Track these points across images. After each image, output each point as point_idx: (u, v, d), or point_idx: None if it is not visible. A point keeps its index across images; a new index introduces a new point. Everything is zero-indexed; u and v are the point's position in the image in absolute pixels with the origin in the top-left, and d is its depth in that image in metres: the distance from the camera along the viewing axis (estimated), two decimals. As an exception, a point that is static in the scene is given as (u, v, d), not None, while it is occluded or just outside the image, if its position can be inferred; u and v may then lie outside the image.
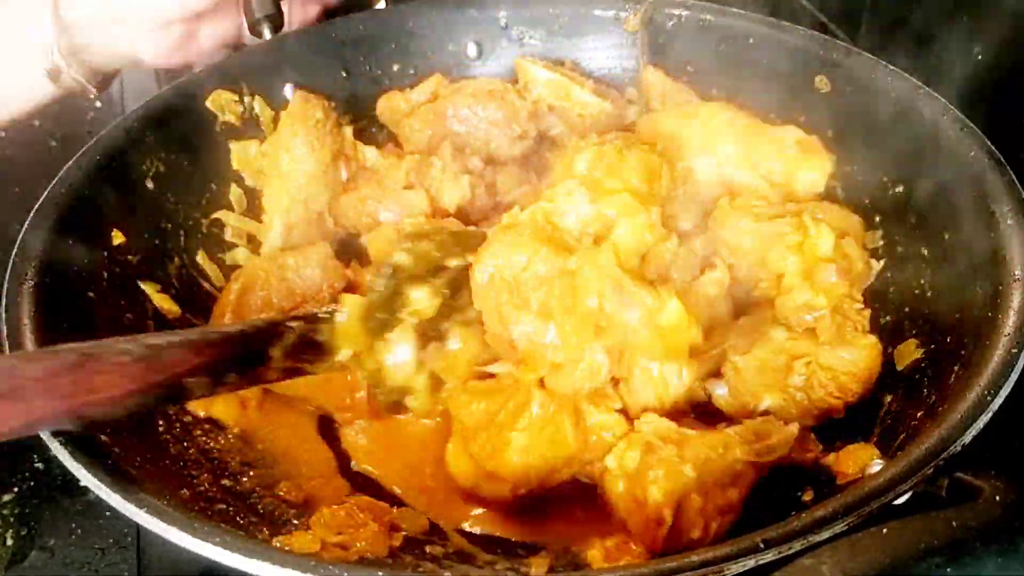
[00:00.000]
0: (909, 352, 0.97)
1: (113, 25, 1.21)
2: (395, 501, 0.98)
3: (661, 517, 0.82)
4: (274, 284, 1.12)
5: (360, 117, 1.38)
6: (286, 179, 1.20)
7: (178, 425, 0.99)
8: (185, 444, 0.97)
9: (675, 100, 1.30)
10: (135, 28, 1.21)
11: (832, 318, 1.00)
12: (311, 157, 1.20)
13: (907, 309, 1.03)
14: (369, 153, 1.29)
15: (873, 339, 0.98)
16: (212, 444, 1.00)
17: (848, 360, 0.96)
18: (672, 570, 0.66)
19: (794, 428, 0.90)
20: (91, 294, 1.01)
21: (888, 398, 0.96)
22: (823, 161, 1.16)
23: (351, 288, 1.13)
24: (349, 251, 1.23)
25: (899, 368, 0.98)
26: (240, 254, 1.24)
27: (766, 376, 0.98)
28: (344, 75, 1.38)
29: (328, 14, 1.44)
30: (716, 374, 1.01)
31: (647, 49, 1.35)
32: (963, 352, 0.86)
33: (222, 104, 1.24)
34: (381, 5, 1.43)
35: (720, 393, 1.01)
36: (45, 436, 0.79)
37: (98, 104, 0.98)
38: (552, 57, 1.39)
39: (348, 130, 1.29)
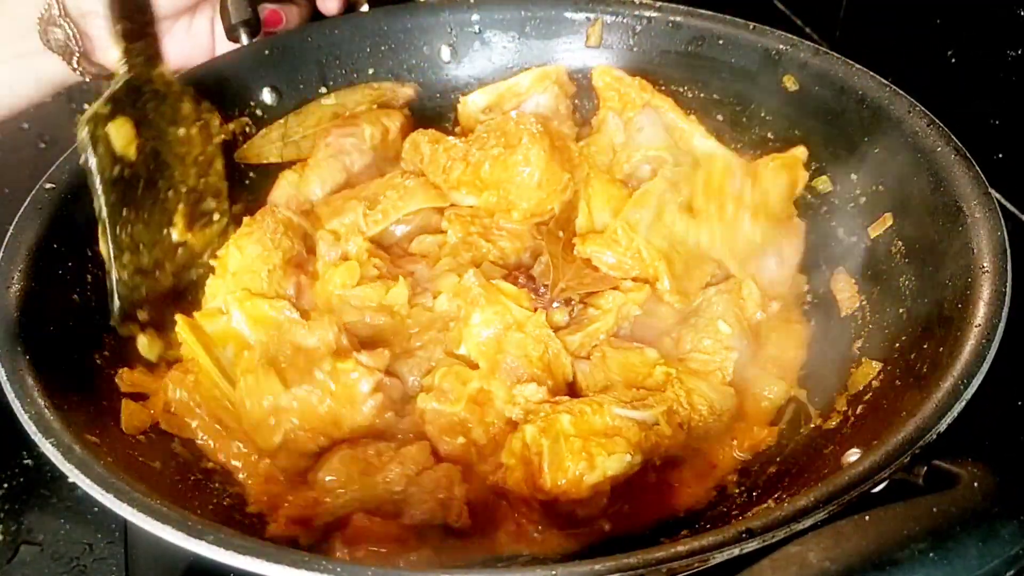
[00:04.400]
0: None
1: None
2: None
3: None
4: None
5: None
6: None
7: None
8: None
9: (630, 97, 1.30)
10: None
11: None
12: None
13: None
14: None
15: (731, 390, 1.03)
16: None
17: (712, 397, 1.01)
18: (659, 560, 0.67)
19: None
20: (76, 297, 1.02)
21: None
22: None
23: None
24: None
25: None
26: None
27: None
28: (320, 79, 1.38)
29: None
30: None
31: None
32: (938, 345, 0.87)
33: None
34: (364, 8, 1.43)
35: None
36: (36, 437, 0.79)
37: (86, 106, 0.99)
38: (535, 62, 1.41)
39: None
